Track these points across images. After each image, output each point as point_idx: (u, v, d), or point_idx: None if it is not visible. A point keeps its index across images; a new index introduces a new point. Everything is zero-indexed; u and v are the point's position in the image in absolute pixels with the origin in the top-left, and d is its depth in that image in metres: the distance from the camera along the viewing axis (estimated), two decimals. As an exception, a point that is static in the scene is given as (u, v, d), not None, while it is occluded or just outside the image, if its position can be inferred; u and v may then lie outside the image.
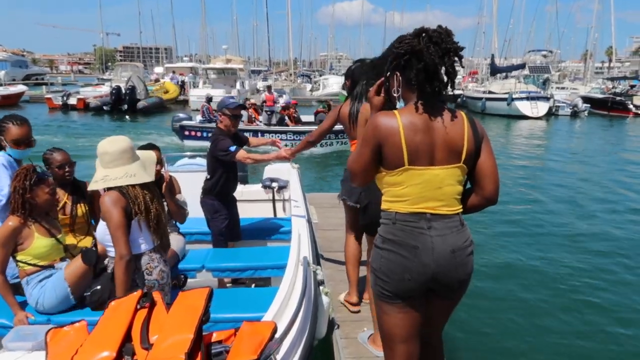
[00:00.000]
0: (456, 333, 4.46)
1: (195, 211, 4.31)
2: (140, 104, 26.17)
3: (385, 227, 1.96)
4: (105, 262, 2.76)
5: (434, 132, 1.86)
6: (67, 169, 3.32)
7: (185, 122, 15.55)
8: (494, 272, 6.01)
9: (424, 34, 1.84)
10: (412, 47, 1.83)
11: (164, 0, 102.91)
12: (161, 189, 3.73)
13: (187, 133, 15.40)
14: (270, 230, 4.68)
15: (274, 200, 5.54)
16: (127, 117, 25.23)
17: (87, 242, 3.36)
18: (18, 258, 2.79)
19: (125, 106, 26.03)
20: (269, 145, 4.54)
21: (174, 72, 36.67)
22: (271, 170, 5.98)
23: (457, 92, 33.53)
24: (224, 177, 4.06)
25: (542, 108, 28.25)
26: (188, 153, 5.84)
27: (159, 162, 3.68)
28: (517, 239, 7.27)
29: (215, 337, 1.91)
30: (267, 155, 4.05)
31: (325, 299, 2.95)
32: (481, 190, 1.97)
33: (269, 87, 19.46)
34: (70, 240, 3.32)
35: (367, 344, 3.14)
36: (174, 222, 3.85)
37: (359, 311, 3.55)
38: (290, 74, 47.86)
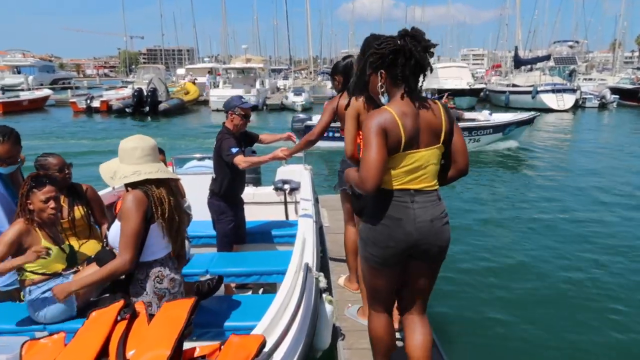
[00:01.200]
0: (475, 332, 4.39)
1: (202, 214, 4.23)
2: (162, 106, 26.41)
3: (374, 202, 2.24)
4: None
5: (419, 118, 2.14)
6: (66, 171, 3.27)
7: (310, 122, 13.88)
8: (518, 269, 5.90)
9: (407, 35, 2.11)
10: (401, 47, 2.09)
11: (185, 1, 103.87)
12: None
13: None
14: (279, 234, 4.57)
15: (285, 203, 5.41)
16: (148, 118, 25.53)
17: (90, 245, 3.30)
18: (25, 266, 2.72)
19: (147, 108, 26.30)
20: (283, 140, 4.38)
21: (191, 73, 36.99)
22: (283, 172, 5.87)
23: (479, 86, 32.93)
24: (229, 177, 3.95)
25: (568, 100, 27.46)
26: (197, 155, 5.76)
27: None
28: (540, 237, 7.02)
29: (198, 351, 1.80)
30: (264, 157, 3.92)
31: (328, 308, 2.81)
32: (456, 164, 2.30)
33: None
34: (73, 243, 3.27)
35: (357, 317, 3.45)
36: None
37: (360, 291, 3.62)
38: (310, 72, 47.75)
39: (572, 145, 16.94)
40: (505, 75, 37.51)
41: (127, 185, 2.42)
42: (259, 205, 5.49)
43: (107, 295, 2.49)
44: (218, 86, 30.02)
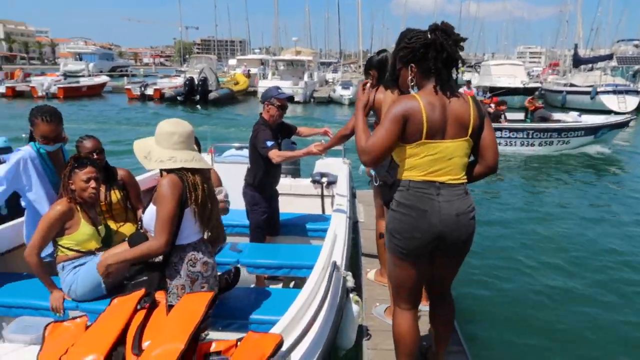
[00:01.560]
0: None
1: (238, 203, 4.24)
2: (212, 95, 26.96)
3: (399, 193, 2.27)
4: None
5: (447, 110, 2.16)
6: (95, 156, 3.31)
7: None
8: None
9: (438, 29, 2.15)
10: (432, 41, 2.13)
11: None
12: None
13: None
14: (313, 228, 4.52)
15: (322, 196, 5.35)
16: (198, 107, 26.11)
17: (126, 228, 3.36)
18: (61, 243, 2.82)
19: (198, 97, 26.92)
20: (320, 135, 4.33)
21: (245, 64, 37.50)
22: (322, 165, 5.82)
23: (534, 84, 31.57)
24: (263, 168, 3.93)
25: (630, 102, 25.86)
26: (236, 144, 5.79)
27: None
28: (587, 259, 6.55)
29: (214, 347, 1.77)
30: (298, 152, 3.87)
31: (355, 308, 2.73)
32: (484, 160, 2.29)
33: (468, 83, 17.80)
34: (111, 226, 3.36)
35: (384, 316, 3.41)
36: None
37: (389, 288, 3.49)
38: (359, 66, 47.40)
39: (634, 151, 15.89)
40: (563, 75, 35.79)
41: (162, 170, 2.45)
42: (295, 197, 5.46)
43: (144, 278, 2.48)
44: (267, 77, 30.30)
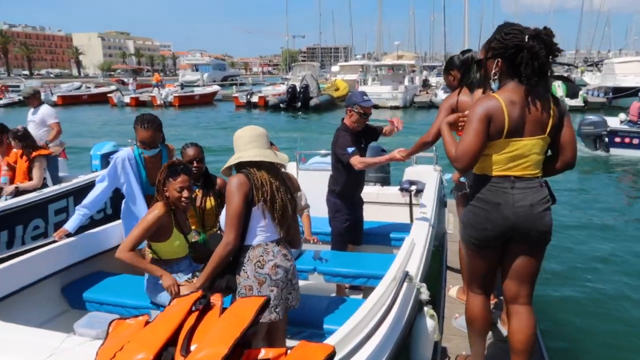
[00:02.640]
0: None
1: (319, 210, 4.20)
2: (313, 101, 27.57)
3: (475, 187, 2.37)
4: None
5: (526, 108, 2.21)
6: (195, 164, 3.44)
7: (617, 127, 12.00)
8: None
9: (539, 37, 2.16)
10: (528, 47, 2.15)
11: (343, 0, 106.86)
12: None
13: (618, 140, 12.03)
14: (399, 237, 4.33)
15: (410, 205, 5.11)
16: (300, 113, 26.83)
17: (213, 234, 3.48)
18: (153, 247, 2.95)
19: (299, 103, 27.69)
20: (394, 128, 3.97)
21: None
22: (412, 172, 5.59)
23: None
24: (345, 175, 3.84)
25: None
26: (322, 151, 5.75)
27: None
28: None
29: (263, 354, 1.71)
30: (380, 158, 3.71)
31: (429, 323, 2.53)
32: (562, 156, 2.35)
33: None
34: (199, 230, 3.49)
35: (458, 298, 3.46)
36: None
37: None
38: (465, 69, 45.54)
39: None
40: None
41: (236, 170, 2.50)
42: (382, 205, 5.30)
43: (220, 281, 2.53)
44: (367, 83, 30.28)
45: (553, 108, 2.26)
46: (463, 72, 3.13)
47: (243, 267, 2.43)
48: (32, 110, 6.35)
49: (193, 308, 1.85)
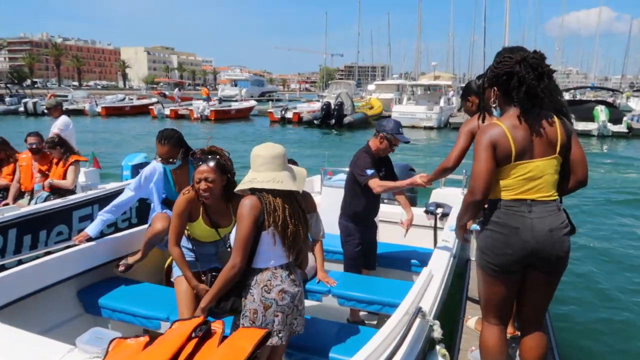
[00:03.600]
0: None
1: (338, 229, 4.13)
2: (347, 119, 27.61)
3: (491, 212, 2.34)
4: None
5: (532, 130, 2.24)
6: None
7: None
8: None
9: (525, 62, 2.21)
10: (515, 72, 2.22)
11: (383, 20, 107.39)
12: None
13: None
14: (419, 263, 4.22)
15: (435, 228, 4.98)
16: (334, 130, 26.91)
17: None
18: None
19: (333, 120, 27.78)
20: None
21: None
22: (438, 195, 5.46)
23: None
24: (359, 197, 3.77)
25: None
26: (346, 168, 5.71)
27: None
28: None
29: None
30: (401, 182, 3.62)
31: (441, 362, 2.42)
32: (575, 175, 2.36)
33: None
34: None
35: (475, 329, 3.31)
36: (307, 238, 3.74)
37: None
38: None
39: None
40: None
41: (250, 191, 2.46)
42: None
43: (227, 302, 2.48)
44: (402, 102, 30.16)
45: (560, 127, 2.28)
46: (481, 97, 3.00)
47: (250, 290, 2.39)
48: (54, 120, 6.64)
49: (193, 334, 1.83)
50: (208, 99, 35.32)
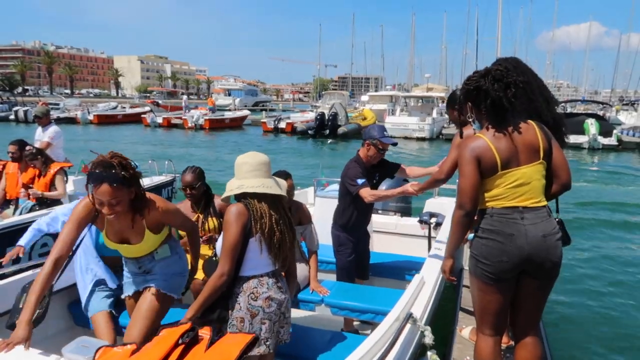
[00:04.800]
0: None
1: (331, 239, 4.10)
2: (341, 130, 27.65)
3: (484, 220, 2.34)
4: None
5: (514, 139, 2.28)
6: (189, 191, 3.53)
7: None
8: None
9: (489, 75, 2.29)
10: (479, 85, 2.31)
11: (377, 32, 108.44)
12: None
13: None
14: (412, 271, 4.19)
15: (429, 238, 4.97)
16: (328, 140, 26.93)
17: None
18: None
19: (327, 131, 27.81)
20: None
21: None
22: (433, 204, 5.45)
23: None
24: (351, 207, 3.75)
25: None
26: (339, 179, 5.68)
27: (292, 189, 3.62)
28: None
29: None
30: (392, 191, 3.61)
31: (433, 368, 2.39)
32: (558, 179, 2.40)
33: None
34: (204, 251, 3.47)
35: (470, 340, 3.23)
36: (301, 249, 3.70)
37: None
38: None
39: None
40: None
41: (235, 198, 2.43)
42: (400, 237, 5.18)
43: (212, 314, 2.41)
44: (395, 114, 30.28)
45: (539, 133, 2.32)
46: (459, 112, 3.07)
47: (237, 299, 2.36)
48: (40, 129, 6.41)
49: (180, 341, 1.78)
50: (213, 109, 35.57)
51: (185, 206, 3.60)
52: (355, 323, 3.93)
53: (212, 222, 3.57)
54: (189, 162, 3.88)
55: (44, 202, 5.16)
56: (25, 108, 34.72)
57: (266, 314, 2.34)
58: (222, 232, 2.43)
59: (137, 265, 2.76)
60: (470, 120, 2.45)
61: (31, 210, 5.06)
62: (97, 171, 2.31)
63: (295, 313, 3.70)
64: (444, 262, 2.67)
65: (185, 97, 46.16)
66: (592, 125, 23.72)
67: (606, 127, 25.19)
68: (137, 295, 2.78)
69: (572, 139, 23.14)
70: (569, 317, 5.16)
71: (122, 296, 2.89)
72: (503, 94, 2.25)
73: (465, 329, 3.46)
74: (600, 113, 32.78)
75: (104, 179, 2.28)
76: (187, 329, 1.83)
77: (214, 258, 3.00)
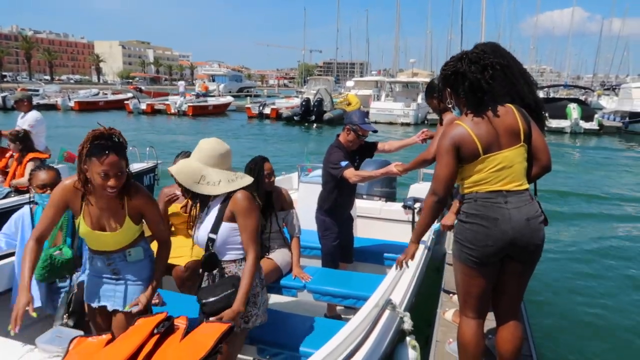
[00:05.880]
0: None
1: (315, 224, 4.08)
2: (326, 115, 27.56)
3: (467, 205, 2.34)
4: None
5: (494, 123, 2.27)
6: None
7: None
8: None
9: (466, 58, 2.29)
10: (456, 69, 2.30)
11: (362, 17, 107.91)
12: (272, 201, 3.60)
13: None
14: (393, 257, 4.20)
15: (413, 223, 4.98)
16: (314, 126, 26.83)
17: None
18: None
19: (313, 117, 27.70)
20: (419, 143, 3.97)
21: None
22: (417, 189, 5.45)
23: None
24: (335, 192, 3.74)
25: None
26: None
27: (271, 174, 3.56)
28: None
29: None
30: (376, 171, 3.61)
31: (411, 354, 2.41)
32: (539, 161, 2.40)
33: None
34: (184, 240, 3.42)
35: (453, 322, 3.26)
36: (284, 234, 3.68)
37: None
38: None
39: None
40: None
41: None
42: (384, 222, 5.18)
43: (211, 299, 2.28)
44: (380, 99, 30.24)
45: (518, 116, 2.31)
46: (439, 99, 3.02)
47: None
48: (21, 114, 6.15)
49: (155, 330, 1.75)
50: (205, 94, 35.08)
51: (172, 190, 3.49)
52: (338, 308, 3.93)
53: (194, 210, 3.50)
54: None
55: (18, 190, 5.07)
56: (4, 94, 33.94)
57: (262, 282, 2.52)
58: (220, 224, 2.39)
59: (107, 262, 2.39)
60: (450, 106, 2.44)
61: (6, 196, 4.95)
62: (101, 142, 2.15)
63: (278, 299, 3.71)
64: (410, 246, 2.71)
65: (182, 82, 45.38)
66: (574, 110, 23.98)
67: (588, 112, 25.49)
68: (103, 310, 2.40)
69: (555, 123, 23.40)
70: (549, 300, 5.25)
71: (85, 301, 2.51)
72: (481, 76, 2.24)
73: (448, 311, 3.49)
74: (582, 98, 33.17)
75: (110, 149, 2.14)
76: (162, 319, 1.80)
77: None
